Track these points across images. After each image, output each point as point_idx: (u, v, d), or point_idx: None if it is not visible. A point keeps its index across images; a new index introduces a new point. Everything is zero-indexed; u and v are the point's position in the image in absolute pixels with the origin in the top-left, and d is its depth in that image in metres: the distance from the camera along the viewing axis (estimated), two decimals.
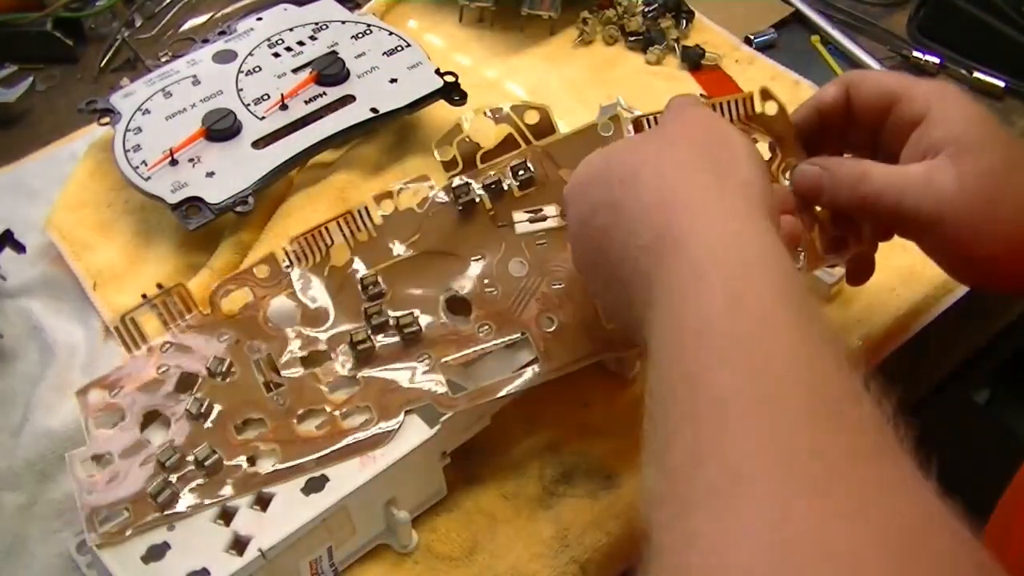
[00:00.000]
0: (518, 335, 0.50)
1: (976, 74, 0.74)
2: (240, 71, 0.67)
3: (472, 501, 0.51)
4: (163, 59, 0.78)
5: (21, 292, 0.62)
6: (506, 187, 0.54)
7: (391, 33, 0.70)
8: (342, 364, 0.49)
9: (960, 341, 0.63)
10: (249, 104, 0.65)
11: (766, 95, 0.51)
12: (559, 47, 0.79)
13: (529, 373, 0.48)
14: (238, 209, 0.60)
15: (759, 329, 0.32)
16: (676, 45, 0.78)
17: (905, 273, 0.60)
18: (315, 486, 0.45)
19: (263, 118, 0.64)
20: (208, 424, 0.47)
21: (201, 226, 0.59)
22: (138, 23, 0.83)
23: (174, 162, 0.61)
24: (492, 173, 0.54)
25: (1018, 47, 0.73)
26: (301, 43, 0.69)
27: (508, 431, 0.53)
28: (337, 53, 0.68)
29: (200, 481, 0.46)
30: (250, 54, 0.68)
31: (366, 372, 0.49)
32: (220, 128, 0.63)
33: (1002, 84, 0.73)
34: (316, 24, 0.71)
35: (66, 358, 0.58)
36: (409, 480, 0.48)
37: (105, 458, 0.47)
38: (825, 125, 0.50)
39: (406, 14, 0.82)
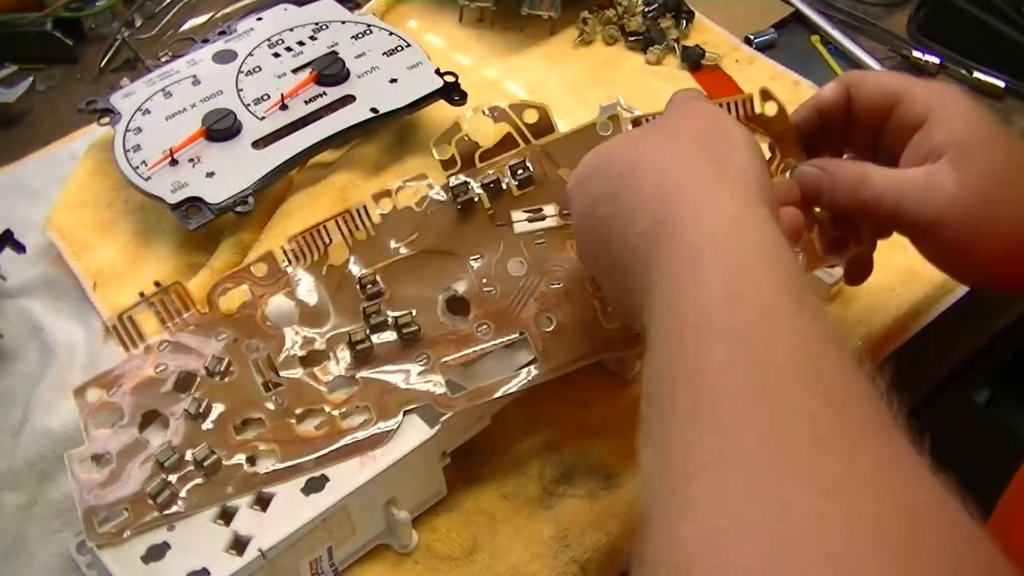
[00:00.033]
0: (517, 335, 0.50)
1: (976, 74, 0.74)
2: (240, 71, 0.67)
3: (472, 501, 0.51)
4: (163, 59, 0.78)
5: (21, 292, 0.62)
6: (505, 186, 0.54)
7: (391, 33, 0.70)
8: (341, 364, 0.49)
9: (960, 341, 0.63)
10: (249, 104, 0.65)
11: (766, 96, 0.51)
12: (559, 47, 0.79)
13: (528, 373, 0.48)
14: (238, 209, 0.60)
15: (757, 312, 0.32)
16: (676, 45, 0.78)
17: (905, 273, 0.60)
18: (315, 486, 0.45)
19: (263, 118, 0.64)
20: (207, 424, 0.47)
21: (201, 226, 0.59)
22: (138, 23, 0.83)
23: (174, 162, 0.61)
24: (491, 172, 0.54)
25: (1018, 47, 0.73)
26: (301, 43, 0.69)
27: (508, 431, 0.53)
28: (337, 53, 0.68)
29: (199, 481, 0.46)
30: (250, 54, 0.68)
31: (365, 372, 0.49)
32: (220, 128, 0.63)
33: (1002, 84, 0.73)
34: (316, 24, 0.71)
35: (66, 358, 0.58)
36: (409, 480, 0.48)
37: (104, 458, 0.47)
38: (825, 125, 0.50)
39: (406, 14, 0.82)
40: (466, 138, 0.55)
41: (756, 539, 0.26)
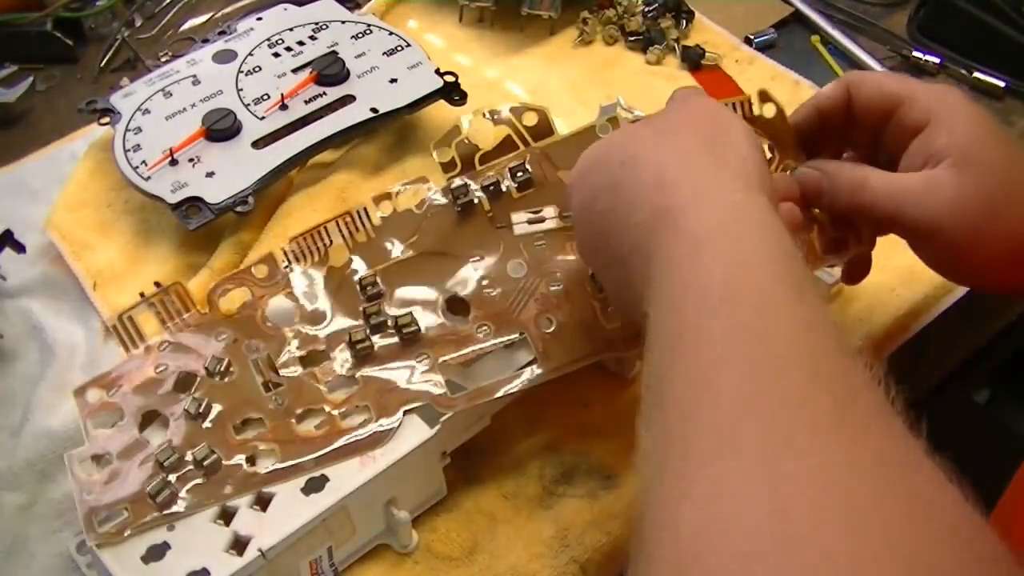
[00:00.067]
0: (517, 335, 0.50)
1: (976, 74, 0.74)
2: (240, 71, 0.67)
3: (472, 501, 0.51)
4: (163, 59, 0.78)
5: (21, 292, 0.62)
6: (504, 188, 0.54)
7: (391, 33, 0.70)
8: (341, 364, 0.49)
9: (960, 341, 0.63)
10: (249, 104, 0.65)
11: (764, 97, 0.51)
12: (559, 47, 0.79)
13: (528, 373, 0.48)
14: (238, 209, 0.60)
15: (757, 301, 0.32)
16: (676, 45, 0.78)
17: (905, 273, 0.60)
18: (315, 486, 0.45)
19: (263, 118, 0.64)
20: (207, 424, 0.47)
21: (201, 226, 0.59)
22: (138, 23, 0.83)
23: (174, 162, 0.61)
24: (491, 174, 0.54)
25: (1018, 47, 0.73)
26: (301, 43, 0.69)
27: (508, 431, 0.53)
28: (337, 53, 0.68)
29: (199, 481, 0.46)
30: (250, 54, 0.68)
31: (365, 372, 0.49)
32: (220, 128, 0.63)
33: (1002, 84, 0.73)
34: (316, 24, 0.71)
35: (66, 358, 0.58)
36: (409, 480, 0.48)
37: (104, 458, 0.47)
38: (825, 126, 0.50)
39: (406, 14, 0.82)
40: (466, 141, 0.55)
41: (755, 521, 0.26)
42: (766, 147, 0.51)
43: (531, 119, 0.55)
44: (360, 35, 0.70)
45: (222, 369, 0.49)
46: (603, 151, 0.43)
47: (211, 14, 0.84)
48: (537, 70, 0.77)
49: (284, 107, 0.64)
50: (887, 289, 0.59)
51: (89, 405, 0.49)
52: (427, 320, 0.50)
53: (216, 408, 0.48)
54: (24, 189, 0.69)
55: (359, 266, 0.53)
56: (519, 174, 0.54)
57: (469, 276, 0.52)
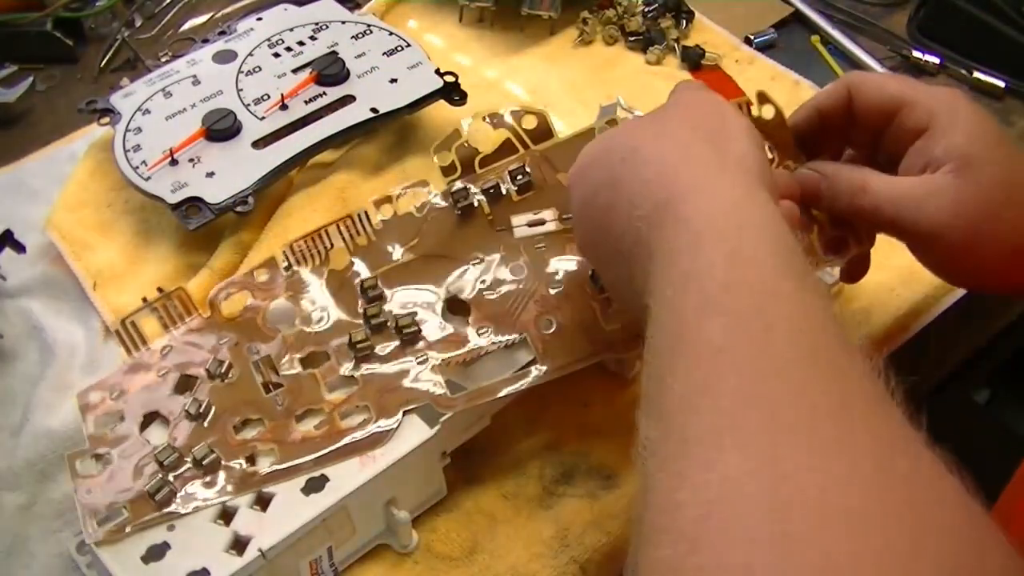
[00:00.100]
0: (516, 337, 0.50)
1: (976, 74, 0.74)
2: (240, 71, 0.67)
3: (472, 501, 0.51)
4: (163, 59, 0.78)
5: (21, 292, 0.62)
6: (504, 191, 0.54)
7: (391, 33, 0.70)
8: (341, 364, 0.49)
9: (960, 341, 0.63)
10: (249, 104, 0.65)
11: (763, 99, 0.51)
12: (559, 47, 0.79)
13: (528, 374, 0.48)
14: (238, 209, 0.60)
15: (758, 292, 0.32)
16: (676, 45, 0.78)
17: (905, 273, 0.60)
18: (315, 486, 0.45)
19: (263, 118, 0.64)
20: (207, 424, 0.47)
21: (201, 226, 0.59)
22: (138, 23, 0.83)
23: (174, 162, 0.61)
24: (491, 178, 0.54)
25: (1018, 47, 0.73)
26: (301, 43, 0.69)
27: (508, 431, 0.53)
28: (337, 53, 0.68)
29: (198, 481, 0.46)
30: (250, 54, 0.68)
31: (365, 372, 0.49)
32: (220, 128, 0.63)
33: (1002, 84, 0.73)
34: (316, 24, 0.71)
35: (66, 358, 0.58)
36: (409, 480, 0.48)
37: (104, 458, 0.47)
38: (825, 126, 0.50)
39: (406, 14, 0.82)
40: (466, 144, 0.55)
41: (755, 504, 0.26)
42: (766, 148, 0.51)
43: (530, 122, 0.55)
44: (360, 35, 0.70)
45: (223, 371, 0.49)
46: (603, 147, 0.43)
47: (211, 14, 0.84)
48: (537, 70, 0.77)
49: (284, 107, 0.64)
50: (887, 289, 0.59)
51: (90, 406, 0.49)
52: (427, 321, 0.50)
53: (216, 409, 0.48)
54: (24, 189, 0.69)
55: (360, 269, 0.53)
56: (519, 177, 0.54)
57: (469, 279, 0.52)
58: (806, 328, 0.31)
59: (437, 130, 0.68)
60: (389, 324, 0.50)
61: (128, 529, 0.44)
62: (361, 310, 0.51)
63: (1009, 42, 0.73)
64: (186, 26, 0.83)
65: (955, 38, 0.76)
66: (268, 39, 0.69)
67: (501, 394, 0.48)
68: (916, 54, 0.76)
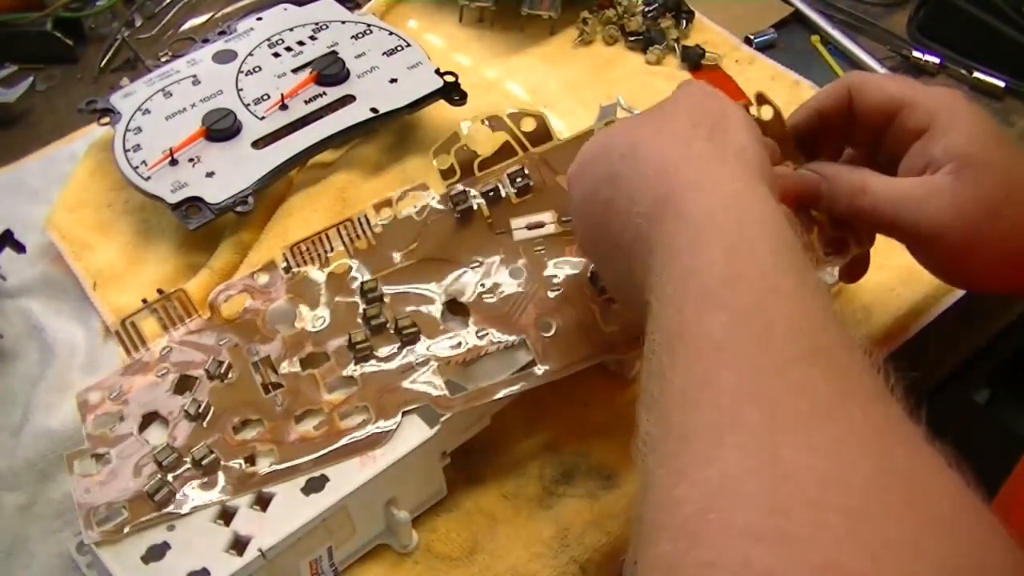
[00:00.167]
0: (516, 338, 0.50)
1: (976, 74, 0.74)
2: (240, 71, 0.67)
3: (472, 501, 0.51)
4: (163, 59, 0.78)
5: (21, 292, 0.62)
6: (504, 194, 0.54)
7: (391, 33, 0.70)
8: (341, 365, 0.49)
9: (960, 341, 0.63)
10: (249, 104, 0.65)
11: (762, 99, 0.51)
12: (559, 47, 0.79)
13: (528, 375, 0.48)
14: (238, 209, 0.60)
15: (758, 287, 0.32)
16: (676, 45, 0.78)
17: (905, 273, 0.60)
18: (315, 486, 0.45)
19: (263, 118, 0.64)
20: (206, 424, 0.47)
21: (201, 226, 0.59)
22: (138, 23, 0.83)
23: (174, 162, 0.61)
24: (490, 180, 0.54)
25: (1018, 47, 0.73)
26: (301, 43, 0.69)
27: (508, 431, 0.53)
28: (337, 53, 0.68)
29: (198, 481, 0.46)
30: (250, 54, 0.68)
31: (364, 372, 0.49)
32: (220, 128, 0.63)
33: (1002, 84, 0.73)
34: (316, 24, 0.71)
35: (66, 358, 0.58)
36: (409, 480, 0.48)
37: (103, 458, 0.47)
38: (825, 127, 0.50)
39: (406, 14, 0.82)
40: (465, 147, 0.55)
41: (755, 498, 0.26)
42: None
43: (529, 124, 0.55)
44: (360, 35, 0.70)
45: (222, 372, 0.49)
46: (603, 144, 0.43)
47: (211, 14, 0.84)
48: (537, 70, 0.77)
49: (284, 107, 0.64)
50: (887, 289, 0.59)
51: (89, 406, 0.49)
52: (427, 324, 0.50)
53: (215, 409, 0.48)
54: (24, 189, 0.69)
55: (360, 272, 0.53)
56: (518, 180, 0.54)
57: (469, 282, 0.52)
58: (806, 325, 0.31)
59: (437, 130, 0.68)
60: (388, 325, 0.50)
61: (126, 529, 0.44)
62: (361, 311, 0.51)
63: (1009, 42, 0.73)
64: (186, 26, 0.83)
65: (955, 38, 0.76)
66: (268, 39, 0.69)
67: (500, 395, 0.48)
68: (916, 54, 0.76)
